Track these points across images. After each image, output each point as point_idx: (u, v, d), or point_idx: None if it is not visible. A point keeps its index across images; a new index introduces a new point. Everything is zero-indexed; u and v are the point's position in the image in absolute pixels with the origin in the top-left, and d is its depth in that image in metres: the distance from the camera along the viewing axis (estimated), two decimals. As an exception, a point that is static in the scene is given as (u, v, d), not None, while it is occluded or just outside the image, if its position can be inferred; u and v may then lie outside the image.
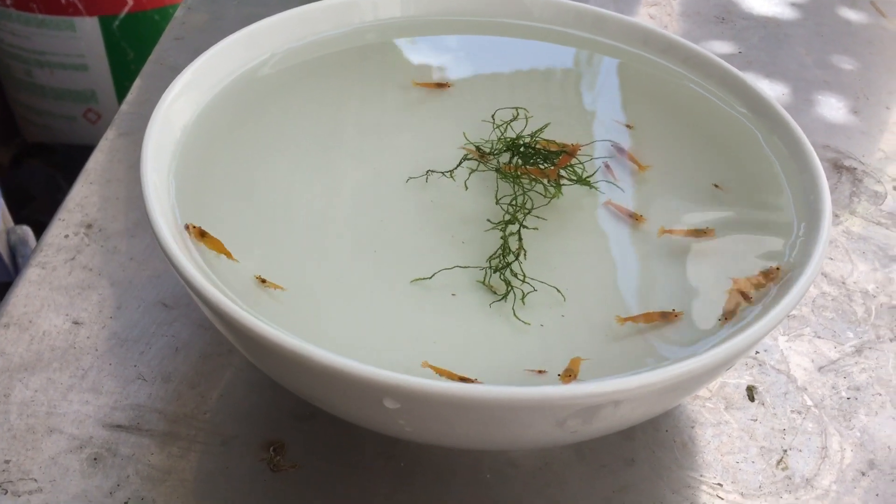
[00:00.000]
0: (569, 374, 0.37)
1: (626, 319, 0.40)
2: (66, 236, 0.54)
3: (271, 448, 0.44)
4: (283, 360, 0.34)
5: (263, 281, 0.40)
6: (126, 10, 1.33)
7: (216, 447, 0.43)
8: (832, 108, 0.71)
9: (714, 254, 0.44)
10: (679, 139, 0.50)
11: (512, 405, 0.32)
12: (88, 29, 1.34)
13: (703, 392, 0.48)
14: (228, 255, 0.40)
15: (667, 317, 0.40)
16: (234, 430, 0.44)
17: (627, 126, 0.51)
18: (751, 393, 0.48)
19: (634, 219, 0.45)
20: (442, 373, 0.37)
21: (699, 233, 0.44)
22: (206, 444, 0.44)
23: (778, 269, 0.41)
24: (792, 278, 0.39)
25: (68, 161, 1.42)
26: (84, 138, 1.45)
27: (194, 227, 0.40)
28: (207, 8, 0.76)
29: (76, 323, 0.49)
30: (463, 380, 0.36)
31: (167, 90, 0.44)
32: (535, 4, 0.55)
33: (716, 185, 0.47)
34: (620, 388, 0.33)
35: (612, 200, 0.46)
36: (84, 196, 0.57)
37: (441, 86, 0.53)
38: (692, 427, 0.46)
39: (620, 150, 0.49)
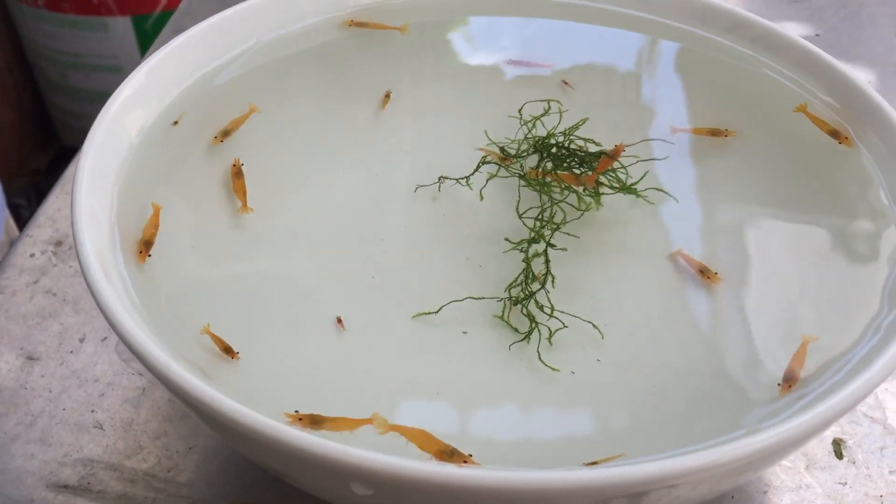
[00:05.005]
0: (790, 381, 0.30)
1: None
2: (32, 255, 0.47)
3: (245, 516, 0.36)
4: (217, 428, 0.26)
5: (227, 350, 0.32)
6: (159, 8, 1.28)
7: (179, 514, 0.36)
8: (928, 98, 0.61)
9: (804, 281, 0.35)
10: (746, 138, 0.41)
11: (517, 496, 0.24)
12: (121, 29, 1.30)
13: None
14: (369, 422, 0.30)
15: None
16: (203, 492, 0.37)
17: (679, 129, 0.42)
18: (838, 448, 0.39)
19: (707, 277, 0.36)
20: (413, 436, 0.28)
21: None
22: (166, 511, 0.36)
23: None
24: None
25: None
26: (120, 142, 1.40)
27: (304, 416, 0.30)
28: (216, -3, 0.68)
29: (31, 358, 0.42)
30: (450, 455, 0.28)
31: (112, 97, 0.36)
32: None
33: (794, 193, 0.38)
34: (665, 472, 0.24)
35: (683, 250, 0.37)
36: (57, 209, 0.50)
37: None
38: (765, 492, 0.37)
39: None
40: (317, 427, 0.29)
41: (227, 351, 0.31)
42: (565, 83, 0.44)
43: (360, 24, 0.45)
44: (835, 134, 0.39)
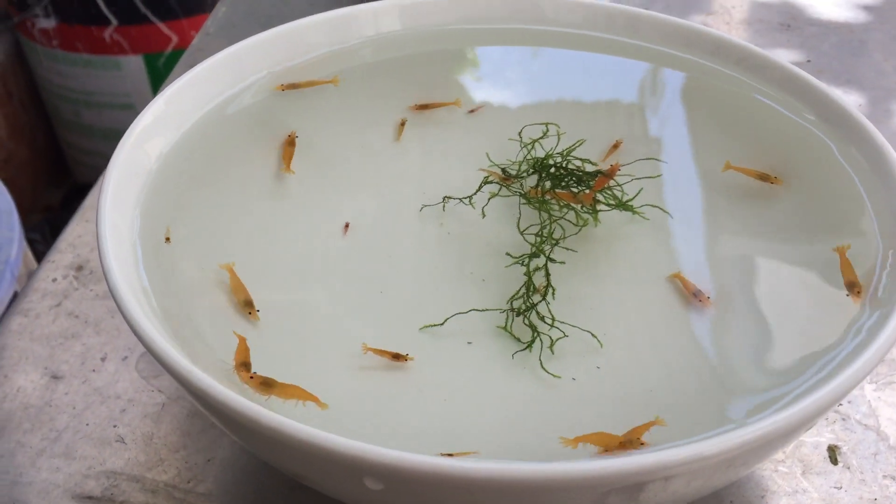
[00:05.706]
0: (628, 444, 0.31)
1: None
2: (55, 280, 0.49)
3: (261, 524, 0.37)
4: (231, 425, 0.28)
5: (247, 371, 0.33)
6: (170, 47, 1.31)
7: (198, 522, 0.37)
8: (917, 119, 0.62)
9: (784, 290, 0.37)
10: (735, 155, 0.43)
11: (520, 486, 0.25)
12: (133, 68, 1.33)
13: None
14: (315, 399, 0.32)
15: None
16: (221, 502, 0.38)
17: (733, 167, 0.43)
18: (833, 454, 0.40)
19: (699, 300, 0.37)
20: (595, 440, 0.31)
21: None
22: (186, 519, 0.38)
23: None
24: (885, 316, 0.31)
25: (116, 201, 1.40)
26: (132, 178, 1.43)
27: (255, 376, 0.32)
28: (227, 34, 0.71)
29: (55, 377, 0.43)
30: (630, 444, 0.30)
31: (133, 124, 0.39)
32: (549, 5, 0.48)
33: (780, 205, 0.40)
34: (663, 462, 0.26)
35: (681, 273, 0.38)
36: (78, 235, 0.52)
37: (471, 111, 0.47)
38: (762, 497, 0.39)
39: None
40: (266, 390, 0.31)
41: (248, 304, 0.35)
42: (472, 111, 0.46)
43: (292, 87, 0.46)
44: (851, 286, 0.36)
